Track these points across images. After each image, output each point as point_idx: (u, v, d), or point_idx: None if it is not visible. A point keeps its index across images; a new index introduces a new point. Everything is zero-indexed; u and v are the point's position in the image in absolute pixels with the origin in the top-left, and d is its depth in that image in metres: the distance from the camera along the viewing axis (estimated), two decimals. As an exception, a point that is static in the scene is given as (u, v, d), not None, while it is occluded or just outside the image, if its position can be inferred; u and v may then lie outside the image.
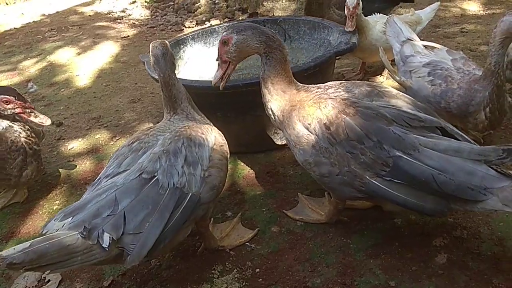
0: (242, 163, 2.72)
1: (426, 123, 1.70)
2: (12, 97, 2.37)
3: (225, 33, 1.95)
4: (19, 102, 2.39)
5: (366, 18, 3.33)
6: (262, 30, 1.90)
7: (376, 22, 3.36)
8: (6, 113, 2.39)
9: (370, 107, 1.74)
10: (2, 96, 2.35)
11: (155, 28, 6.06)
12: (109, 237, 1.51)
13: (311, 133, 1.80)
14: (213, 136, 1.93)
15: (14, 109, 2.38)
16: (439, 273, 1.77)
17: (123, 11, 7.04)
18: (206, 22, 5.98)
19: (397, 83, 2.66)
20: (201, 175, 1.77)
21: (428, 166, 1.59)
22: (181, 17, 6.43)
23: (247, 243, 2.08)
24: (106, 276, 2.01)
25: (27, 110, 2.43)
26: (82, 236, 1.50)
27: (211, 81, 2.05)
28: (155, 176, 1.68)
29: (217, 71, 2.00)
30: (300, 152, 1.86)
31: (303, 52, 3.41)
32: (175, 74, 2.07)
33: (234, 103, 2.48)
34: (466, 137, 1.74)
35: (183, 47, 3.33)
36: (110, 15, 6.91)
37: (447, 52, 2.50)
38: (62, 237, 1.49)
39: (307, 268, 1.89)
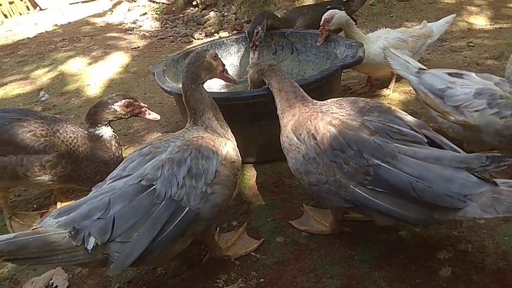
0: (248, 173, 2.75)
1: (408, 137, 1.73)
2: (132, 100, 2.41)
3: None
4: (137, 103, 2.44)
5: (364, 35, 3.38)
6: (258, 65, 2.40)
7: (378, 37, 3.39)
8: (126, 116, 2.44)
9: (356, 119, 1.81)
10: (125, 100, 2.37)
11: (165, 40, 6.16)
12: (94, 241, 1.51)
13: (301, 142, 1.88)
14: (225, 151, 1.91)
15: (133, 110, 2.44)
16: (443, 286, 1.77)
17: (134, 22, 7.18)
18: (215, 34, 6.08)
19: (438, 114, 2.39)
20: (202, 190, 1.73)
21: (406, 173, 1.61)
22: (191, 29, 6.54)
23: (252, 253, 2.10)
24: (112, 283, 2.03)
25: (143, 109, 2.48)
26: (70, 235, 1.51)
27: (217, 92, 2.11)
28: (153, 185, 1.67)
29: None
30: (292, 161, 1.94)
31: (310, 65, 3.46)
32: (198, 85, 2.05)
33: (241, 114, 2.52)
34: (454, 147, 1.75)
35: (192, 58, 3.39)
36: (121, 26, 7.05)
37: (480, 77, 2.36)
38: (49, 233, 1.51)
39: (311, 279, 1.90)
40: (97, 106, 2.39)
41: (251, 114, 2.55)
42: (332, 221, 2.09)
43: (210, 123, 2.07)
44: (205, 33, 6.17)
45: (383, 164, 1.66)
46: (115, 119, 2.42)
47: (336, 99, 2.07)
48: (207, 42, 3.60)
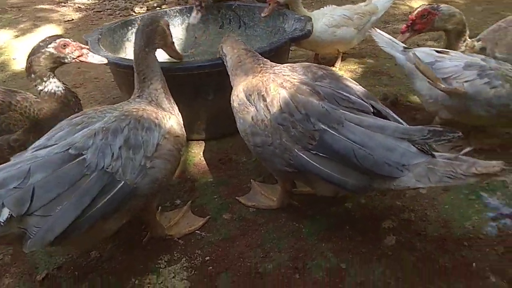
0: (193, 150, 2.62)
1: (355, 105, 1.71)
2: (68, 40, 2.14)
3: None
4: (75, 44, 2.17)
5: (312, 12, 3.34)
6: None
7: (324, 14, 3.36)
8: (66, 60, 2.17)
9: (307, 83, 1.79)
10: (60, 39, 2.12)
11: (102, 13, 5.76)
12: (9, 213, 1.33)
13: (251, 103, 1.84)
14: (169, 124, 1.77)
15: (73, 52, 2.17)
16: (388, 254, 1.78)
17: (67, -6, 6.63)
18: (157, 8, 5.77)
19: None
20: (141, 163, 1.59)
21: (350, 140, 1.60)
22: (131, 3, 6.18)
23: (197, 231, 1.99)
24: (40, 270, 1.83)
25: (84, 51, 2.21)
26: None
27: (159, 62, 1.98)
28: (83, 154, 1.50)
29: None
30: (240, 121, 1.90)
31: (258, 40, 3.35)
32: (151, 49, 1.95)
33: (184, 87, 2.37)
34: (399, 119, 1.75)
35: (131, 28, 3.15)
36: (53, -2, 6.49)
37: (468, 55, 2.35)
38: None
39: (259, 254, 1.84)
40: (31, 54, 2.15)
41: (196, 87, 2.41)
42: (281, 193, 2.04)
43: (157, 96, 1.92)
44: (147, 7, 5.84)
45: (329, 130, 1.63)
46: (55, 65, 2.18)
47: (289, 64, 2.02)
48: (147, 11, 3.36)
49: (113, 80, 3.65)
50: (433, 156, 1.57)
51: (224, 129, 2.69)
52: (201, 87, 2.43)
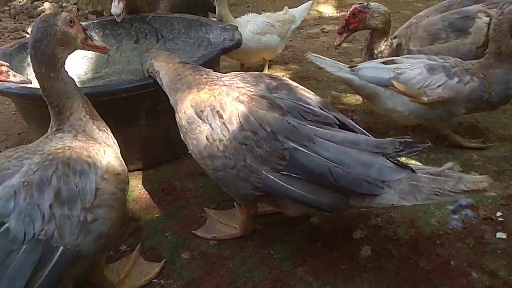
0: (131, 183, 2.28)
1: (320, 118, 1.60)
2: None
3: None
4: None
5: (235, 19, 3.24)
6: None
7: (248, 22, 3.30)
8: None
9: (266, 96, 1.63)
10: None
11: (-14, 36, 5.00)
12: None
13: (203, 121, 1.63)
14: (105, 161, 1.46)
15: None
16: (368, 267, 1.70)
17: None
18: (55, 28, 5.19)
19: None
20: (80, 218, 1.29)
21: (324, 158, 1.48)
22: (21, 23, 5.48)
23: (154, 280, 1.70)
24: None
25: (4, 69, 1.80)
26: None
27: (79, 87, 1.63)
28: (5, 223, 1.18)
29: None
30: (193, 143, 1.67)
31: (180, 53, 3.10)
32: (58, 70, 1.50)
33: (114, 113, 2.05)
34: (364, 131, 1.68)
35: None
36: None
37: (410, 58, 2.35)
38: None
39: (233, 293, 1.63)
40: None
41: (126, 112, 2.10)
42: (244, 219, 1.84)
43: (83, 126, 1.56)
44: (42, 27, 5.22)
45: (300, 148, 1.49)
46: None
47: (237, 72, 1.84)
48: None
49: (14, 112, 3.13)
50: (413, 170, 1.50)
51: (161, 155, 2.41)
52: (131, 111, 2.14)
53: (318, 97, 1.75)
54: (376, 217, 1.95)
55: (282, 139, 1.50)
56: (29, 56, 1.51)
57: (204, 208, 2.04)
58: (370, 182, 1.45)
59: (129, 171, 2.32)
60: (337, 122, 1.62)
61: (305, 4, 3.77)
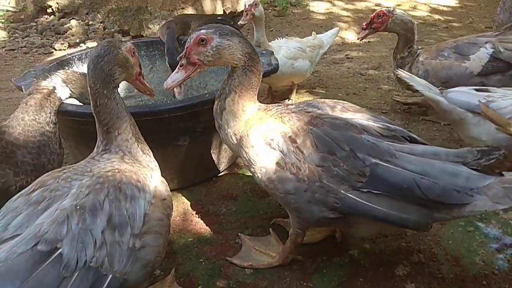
0: (162, 205, 2.27)
1: (396, 133, 1.61)
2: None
3: (202, 30, 1.62)
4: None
5: (269, 43, 3.26)
6: (247, 41, 1.69)
7: (280, 47, 3.32)
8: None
9: (337, 117, 1.63)
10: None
11: (15, 51, 5.12)
12: None
13: (274, 149, 1.61)
14: (153, 185, 1.44)
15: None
16: (413, 305, 1.63)
17: (-30, 32, 5.79)
18: (81, 44, 5.29)
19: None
20: (129, 245, 1.26)
21: (409, 170, 1.47)
22: (48, 39, 5.58)
23: (190, 308, 1.66)
24: None
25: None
26: None
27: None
28: (58, 249, 1.15)
29: (177, 72, 1.67)
30: (262, 171, 1.64)
31: (212, 76, 3.13)
32: (112, 90, 1.51)
33: (153, 133, 2.05)
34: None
35: (68, 68, 2.73)
36: (-46, 36, 5.62)
37: (506, 88, 2.27)
38: None
39: (273, 327, 1.57)
40: None
41: (166, 132, 2.09)
42: (288, 247, 1.79)
43: (129, 147, 1.55)
44: (68, 43, 5.32)
45: (382, 163, 1.48)
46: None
47: (299, 102, 1.84)
48: (86, 49, 2.96)
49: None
50: (502, 174, 1.50)
51: (195, 176, 2.39)
52: (170, 132, 2.13)
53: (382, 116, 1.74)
54: (419, 253, 1.89)
55: (363, 156, 1.50)
56: (87, 70, 1.51)
57: (239, 234, 2.00)
58: (460, 191, 1.44)
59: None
60: (410, 135, 1.63)
61: (332, 30, 3.82)
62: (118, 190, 1.32)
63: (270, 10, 6.26)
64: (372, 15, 2.92)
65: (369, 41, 5.35)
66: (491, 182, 1.47)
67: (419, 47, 3.02)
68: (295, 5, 6.61)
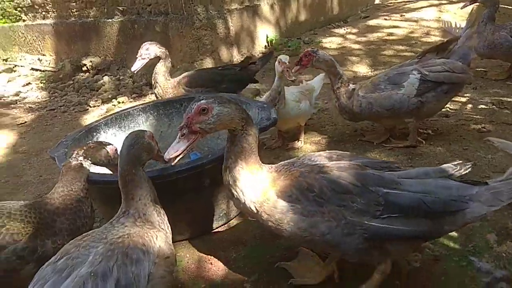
0: (179, 253, 2.52)
1: (390, 164, 1.94)
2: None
3: (202, 100, 1.77)
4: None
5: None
6: (241, 106, 1.88)
7: (288, 90, 3.58)
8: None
9: (340, 163, 1.89)
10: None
11: (55, 111, 5.68)
12: None
13: (295, 203, 1.80)
14: (157, 247, 1.70)
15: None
16: None
17: (16, 95, 6.51)
18: (113, 100, 5.79)
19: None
20: None
21: (413, 192, 1.75)
22: (84, 96, 6.15)
23: None
24: None
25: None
26: None
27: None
28: None
29: (179, 142, 1.78)
30: (290, 225, 1.81)
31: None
32: (138, 169, 1.87)
33: (163, 191, 2.33)
34: None
35: (96, 134, 3.12)
36: (2, 100, 6.32)
37: None
38: None
39: None
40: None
41: (174, 191, 2.38)
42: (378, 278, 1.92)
43: (145, 210, 1.85)
44: (101, 99, 5.84)
45: (391, 191, 1.76)
46: None
47: (296, 158, 2.06)
48: (111, 115, 3.36)
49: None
50: (486, 183, 1.80)
51: (206, 226, 2.64)
52: (179, 190, 2.41)
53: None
54: (410, 289, 2.02)
55: (374, 188, 1.76)
56: (120, 153, 1.90)
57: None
58: (456, 200, 1.74)
59: (178, 241, 2.58)
60: (400, 167, 1.94)
61: (320, 75, 3.99)
62: (125, 256, 1.57)
63: (284, 51, 6.58)
64: (301, 54, 3.35)
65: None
66: (480, 191, 1.77)
67: (353, 83, 3.44)
68: (307, 43, 6.92)
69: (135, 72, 3.96)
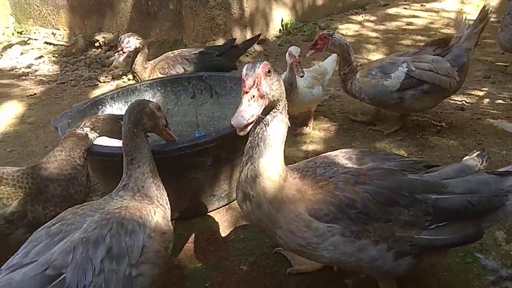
0: (178, 231, 2.48)
1: (424, 164, 1.72)
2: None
3: (264, 62, 1.46)
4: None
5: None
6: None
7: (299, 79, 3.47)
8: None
9: (374, 167, 1.64)
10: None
11: (65, 84, 5.65)
12: None
13: (334, 222, 1.54)
14: (154, 221, 1.66)
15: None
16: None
17: (28, 67, 6.49)
18: (123, 77, 5.74)
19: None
20: (126, 273, 1.47)
21: (459, 194, 1.59)
22: (95, 72, 6.10)
23: (192, 330, 1.84)
24: None
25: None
26: None
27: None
28: (63, 274, 1.37)
29: (250, 105, 1.39)
30: (330, 249, 1.55)
31: (231, 108, 3.35)
32: (139, 131, 1.88)
33: (165, 168, 2.29)
34: None
35: (102, 107, 3.08)
36: (14, 71, 6.31)
37: None
38: None
39: None
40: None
41: (177, 167, 2.33)
42: None
43: (144, 181, 1.81)
44: (112, 75, 5.80)
45: (440, 196, 1.58)
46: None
47: (314, 159, 1.77)
48: (117, 89, 3.31)
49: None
50: None
51: (207, 205, 2.60)
52: (182, 167, 2.36)
53: None
54: (413, 283, 1.96)
55: (422, 196, 1.56)
56: (124, 115, 1.92)
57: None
58: (498, 195, 1.60)
59: (178, 219, 2.55)
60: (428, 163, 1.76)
61: (332, 56, 3.80)
62: (120, 225, 1.55)
63: (299, 35, 6.44)
64: (316, 37, 3.27)
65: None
66: None
67: (359, 64, 3.40)
68: (323, 29, 6.75)
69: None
